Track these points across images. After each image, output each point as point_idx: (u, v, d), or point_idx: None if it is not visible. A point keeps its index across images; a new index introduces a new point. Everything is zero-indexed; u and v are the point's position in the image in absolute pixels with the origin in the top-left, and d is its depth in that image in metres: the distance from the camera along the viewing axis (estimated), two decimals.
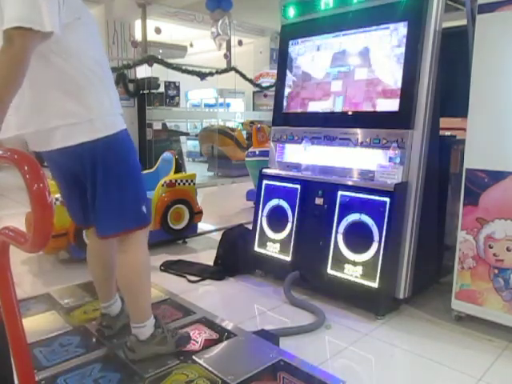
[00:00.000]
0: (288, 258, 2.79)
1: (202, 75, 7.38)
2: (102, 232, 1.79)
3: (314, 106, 2.86)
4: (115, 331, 2.09)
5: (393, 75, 2.45)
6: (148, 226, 1.88)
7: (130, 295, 1.87)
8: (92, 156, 1.64)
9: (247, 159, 5.25)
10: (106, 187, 1.69)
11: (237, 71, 8.02)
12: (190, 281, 2.97)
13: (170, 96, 8.50)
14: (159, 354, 1.89)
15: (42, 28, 1.37)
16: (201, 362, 1.90)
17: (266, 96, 9.52)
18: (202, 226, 4.17)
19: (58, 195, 2.56)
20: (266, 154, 3.63)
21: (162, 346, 1.90)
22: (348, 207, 2.52)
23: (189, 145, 10.99)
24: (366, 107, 2.57)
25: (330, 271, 2.55)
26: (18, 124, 1.57)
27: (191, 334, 2.10)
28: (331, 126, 2.71)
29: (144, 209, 1.82)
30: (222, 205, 5.93)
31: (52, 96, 1.56)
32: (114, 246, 1.92)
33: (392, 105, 2.44)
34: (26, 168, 0.97)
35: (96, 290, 2.11)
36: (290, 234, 2.81)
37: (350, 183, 2.55)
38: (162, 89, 8.10)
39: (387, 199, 2.36)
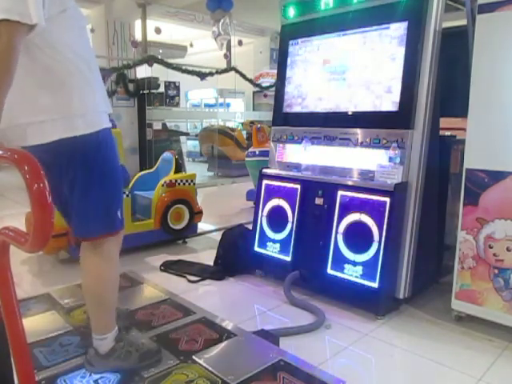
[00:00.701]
0: (288, 258, 2.79)
1: (202, 75, 7.38)
2: (79, 233, 1.73)
3: (314, 106, 2.86)
4: None
5: (393, 75, 2.45)
6: (121, 233, 1.81)
7: (93, 304, 1.79)
8: (69, 154, 1.59)
9: (247, 159, 5.25)
10: (83, 188, 1.64)
11: (237, 71, 8.02)
12: (190, 281, 2.97)
13: (170, 96, 8.49)
14: (121, 369, 1.81)
15: (29, 20, 1.35)
16: (201, 362, 1.90)
17: (266, 96, 9.53)
18: (202, 226, 4.17)
19: None
20: (266, 154, 3.63)
21: (123, 361, 1.81)
22: (348, 207, 2.52)
23: (189, 145, 10.99)
24: (366, 107, 2.57)
25: (330, 271, 2.55)
26: None
27: (191, 334, 2.11)
28: (331, 126, 2.71)
29: (119, 214, 1.76)
30: (222, 205, 5.93)
31: (31, 90, 1.52)
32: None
33: (392, 105, 2.45)
34: (26, 168, 0.97)
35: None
36: (289, 234, 2.81)
37: (349, 183, 2.55)
38: (162, 89, 8.09)
39: (387, 199, 2.36)
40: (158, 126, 7.66)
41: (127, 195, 3.41)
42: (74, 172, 1.62)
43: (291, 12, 3.02)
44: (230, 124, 10.54)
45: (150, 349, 1.91)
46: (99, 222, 1.70)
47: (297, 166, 2.91)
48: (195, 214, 3.84)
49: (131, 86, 7.18)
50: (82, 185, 1.64)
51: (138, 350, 1.85)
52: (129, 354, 1.82)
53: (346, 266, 2.48)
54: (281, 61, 3.11)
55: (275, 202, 2.93)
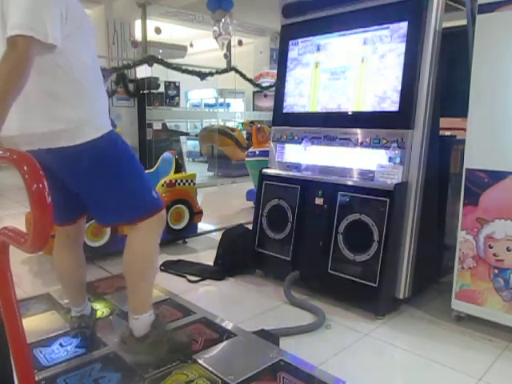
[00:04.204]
0: (288, 258, 2.79)
1: (202, 75, 7.38)
2: (115, 220, 1.88)
3: (314, 106, 2.86)
4: (91, 329, 2.15)
5: (393, 75, 2.45)
6: (162, 213, 1.87)
7: (130, 282, 1.88)
8: (87, 156, 1.66)
9: (247, 159, 5.25)
10: (105, 183, 1.73)
11: (237, 71, 8.02)
12: (190, 281, 2.97)
13: (170, 96, 8.49)
14: (148, 355, 1.85)
15: (44, 38, 1.41)
16: (201, 361, 1.90)
17: (266, 96, 9.51)
18: (202, 226, 4.17)
19: None
20: (265, 153, 3.63)
21: (153, 349, 1.85)
22: (348, 207, 2.52)
23: (189, 145, 10.97)
24: (366, 107, 2.57)
25: (330, 271, 2.55)
26: (11, 126, 1.57)
27: (191, 334, 2.11)
28: (331, 125, 2.71)
29: (154, 194, 1.85)
30: (222, 205, 5.93)
31: (47, 101, 1.59)
32: (81, 249, 2.04)
33: (392, 105, 2.44)
34: (25, 168, 0.97)
35: (69, 296, 2.14)
36: (290, 234, 2.81)
37: (350, 183, 2.55)
38: (162, 89, 8.09)
39: (387, 199, 2.36)
40: (158, 126, 7.65)
41: None
42: (94, 172, 1.70)
43: (291, 12, 3.02)
44: (230, 124, 10.53)
45: (181, 342, 1.95)
46: (132, 210, 1.79)
47: (297, 166, 2.91)
48: (195, 214, 3.84)
49: (131, 86, 7.19)
50: (105, 181, 1.73)
51: (169, 340, 1.89)
52: (160, 343, 1.85)
53: (346, 265, 2.48)
54: (281, 61, 3.11)
55: (275, 201, 2.93)
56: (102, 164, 1.71)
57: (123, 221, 1.91)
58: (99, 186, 1.74)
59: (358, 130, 2.57)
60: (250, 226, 3.14)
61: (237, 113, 11.26)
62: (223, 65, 8.36)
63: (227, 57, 8.63)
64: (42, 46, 1.43)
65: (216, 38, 7.29)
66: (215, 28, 7.16)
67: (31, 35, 1.38)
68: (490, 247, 2.16)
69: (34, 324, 2.26)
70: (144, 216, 1.80)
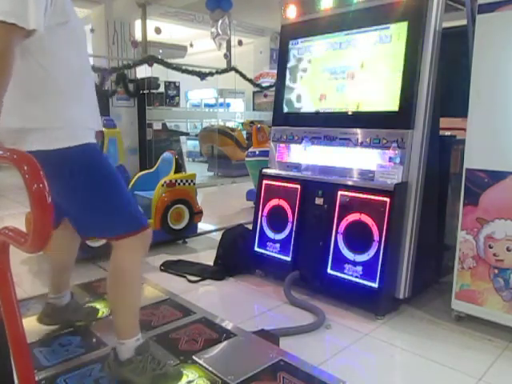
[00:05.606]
0: (288, 258, 2.80)
1: (202, 75, 7.38)
2: (84, 233, 1.81)
3: (314, 106, 2.86)
4: (54, 322, 2.17)
5: (393, 75, 2.45)
6: (144, 231, 1.74)
7: (112, 305, 1.79)
8: (54, 166, 1.50)
9: (247, 159, 5.25)
10: (81, 197, 1.65)
11: (237, 71, 8.02)
12: (190, 281, 2.97)
13: (170, 96, 8.49)
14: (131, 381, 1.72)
15: (26, 25, 1.34)
16: (201, 362, 1.90)
17: (266, 96, 9.51)
18: (202, 226, 4.17)
19: None
20: (265, 153, 3.63)
21: (136, 376, 1.70)
22: (348, 207, 2.52)
23: (189, 145, 10.98)
24: (366, 107, 2.57)
25: (330, 271, 2.55)
26: None
27: (191, 334, 2.11)
28: (331, 125, 2.71)
29: (137, 212, 1.76)
30: (222, 205, 5.93)
31: (19, 97, 1.51)
32: (77, 239, 2.04)
33: (392, 105, 2.44)
34: (25, 168, 0.97)
35: (49, 280, 2.17)
36: (290, 234, 2.81)
37: (349, 183, 2.55)
38: (162, 89, 8.09)
39: (387, 199, 2.36)
40: (158, 126, 7.65)
41: None
42: (62, 185, 1.58)
43: (291, 12, 3.02)
44: (230, 124, 10.53)
45: (167, 373, 1.77)
46: (111, 226, 1.70)
47: (297, 166, 2.91)
48: (195, 213, 3.84)
49: (131, 86, 7.18)
50: (83, 194, 1.64)
51: (155, 369, 1.73)
52: (143, 371, 1.70)
53: (346, 265, 2.48)
54: (281, 61, 3.11)
55: (275, 201, 2.93)
56: (75, 176, 1.60)
57: (102, 235, 1.81)
58: (76, 199, 1.65)
59: (358, 130, 2.57)
60: (250, 226, 3.14)
61: (237, 113, 11.26)
62: (223, 65, 8.36)
63: (227, 57, 8.63)
64: (25, 33, 1.36)
65: (214, 38, 7.30)
66: (213, 29, 7.17)
67: (13, 22, 1.30)
68: (490, 247, 2.16)
69: (34, 324, 2.26)
70: (125, 233, 1.69)
